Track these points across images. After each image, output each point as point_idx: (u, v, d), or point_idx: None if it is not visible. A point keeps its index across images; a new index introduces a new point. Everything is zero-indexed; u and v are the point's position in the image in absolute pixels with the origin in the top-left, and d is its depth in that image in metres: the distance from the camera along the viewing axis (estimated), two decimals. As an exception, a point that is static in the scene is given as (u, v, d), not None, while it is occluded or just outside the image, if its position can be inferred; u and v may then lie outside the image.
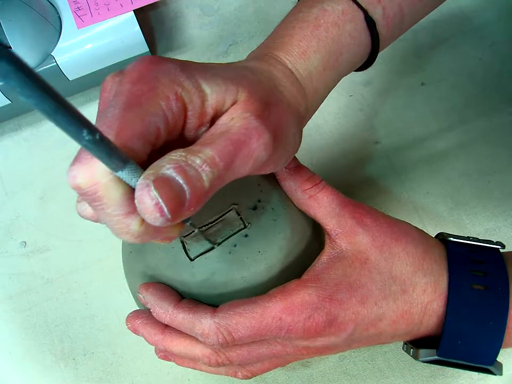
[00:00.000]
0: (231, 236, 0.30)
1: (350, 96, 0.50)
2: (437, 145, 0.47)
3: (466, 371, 0.40)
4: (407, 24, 0.35)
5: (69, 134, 0.17)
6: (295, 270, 0.30)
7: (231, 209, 0.31)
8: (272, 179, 0.33)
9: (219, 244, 0.30)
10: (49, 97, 0.16)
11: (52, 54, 0.45)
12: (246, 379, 0.32)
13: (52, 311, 0.44)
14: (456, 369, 0.40)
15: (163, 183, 0.20)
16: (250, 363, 0.31)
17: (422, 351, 0.30)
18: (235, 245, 0.30)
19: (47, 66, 0.45)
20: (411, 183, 0.46)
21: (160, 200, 0.20)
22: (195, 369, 0.32)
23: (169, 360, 0.32)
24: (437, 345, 0.29)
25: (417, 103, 0.49)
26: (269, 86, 0.27)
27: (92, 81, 0.49)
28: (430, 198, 0.46)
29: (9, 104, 0.47)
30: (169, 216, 0.20)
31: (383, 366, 0.41)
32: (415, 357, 0.30)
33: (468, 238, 0.31)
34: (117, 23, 0.46)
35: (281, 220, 0.31)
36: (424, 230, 0.32)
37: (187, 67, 0.24)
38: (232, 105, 0.24)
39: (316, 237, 0.34)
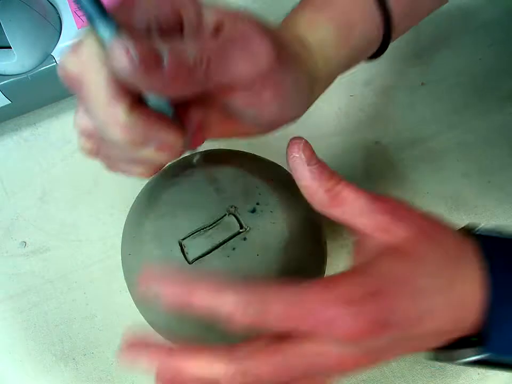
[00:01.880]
0: (229, 239, 0.30)
1: (351, 96, 0.50)
2: (437, 145, 0.47)
3: (467, 371, 0.40)
4: (421, 7, 0.34)
5: None
6: (294, 273, 0.29)
7: (230, 212, 0.31)
8: (271, 182, 0.32)
9: (218, 247, 0.30)
10: None
11: (51, 54, 0.45)
12: None
13: (52, 311, 0.44)
14: (457, 370, 0.40)
15: (139, 39, 0.20)
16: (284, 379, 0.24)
17: (463, 351, 0.26)
18: (234, 248, 0.30)
19: (47, 66, 0.45)
20: (411, 183, 0.46)
21: (131, 48, 0.20)
22: None
23: None
24: (480, 343, 0.25)
25: (417, 103, 0.49)
26: (279, 35, 0.27)
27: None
28: (430, 198, 0.46)
29: (9, 104, 0.47)
30: (137, 62, 0.20)
31: (383, 366, 0.41)
32: (451, 359, 0.27)
33: (498, 233, 0.28)
34: (117, 23, 0.46)
35: (280, 222, 0.31)
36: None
37: None
38: (234, 22, 0.24)
39: (316, 239, 0.34)
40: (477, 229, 0.29)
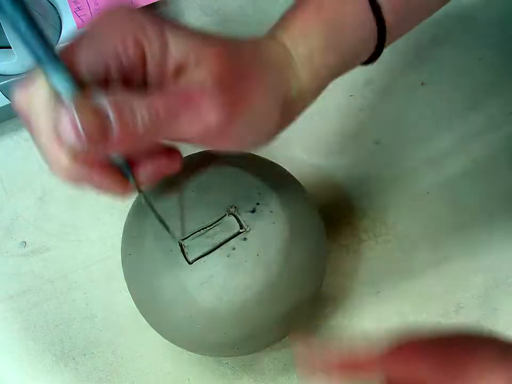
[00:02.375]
0: (229, 239, 0.30)
1: (350, 96, 0.50)
2: (437, 145, 0.47)
3: None
4: (416, 13, 0.34)
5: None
6: (294, 274, 0.30)
7: (230, 212, 0.31)
8: (271, 182, 0.32)
9: (218, 247, 0.30)
10: None
11: (52, 54, 0.45)
12: None
13: (52, 311, 0.44)
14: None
15: (86, 106, 0.20)
16: None
17: None
18: (234, 248, 0.30)
19: (47, 66, 0.45)
20: (411, 183, 0.46)
21: (78, 120, 0.20)
22: None
23: None
24: None
25: (417, 103, 0.49)
26: (251, 59, 0.26)
27: (92, 81, 0.49)
28: (430, 198, 0.46)
29: (9, 104, 0.47)
30: (84, 138, 0.20)
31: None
32: None
33: None
34: (117, 23, 0.46)
35: (280, 222, 0.31)
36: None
37: (159, 20, 0.24)
38: (196, 65, 0.23)
39: (316, 240, 0.34)
40: None
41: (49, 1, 0.46)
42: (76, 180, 0.23)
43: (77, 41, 0.23)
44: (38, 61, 0.20)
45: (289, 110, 0.28)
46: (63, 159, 0.22)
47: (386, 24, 0.31)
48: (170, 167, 0.26)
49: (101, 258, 0.45)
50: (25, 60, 0.44)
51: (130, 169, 0.25)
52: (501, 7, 0.52)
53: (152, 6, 0.53)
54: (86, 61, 0.22)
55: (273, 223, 0.31)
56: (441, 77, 0.50)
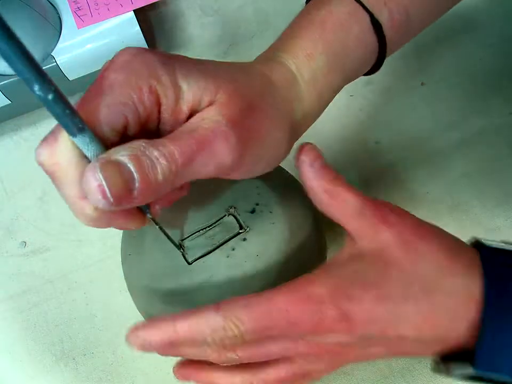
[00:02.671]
0: (229, 239, 0.30)
1: (350, 96, 0.50)
2: (437, 145, 0.47)
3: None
4: (414, 28, 0.34)
5: (24, 82, 0.18)
6: (294, 274, 0.29)
7: (229, 213, 0.31)
8: (270, 182, 0.32)
9: (217, 248, 0.30)
10: (6, 37, 0.16)
11: (52, 54, 0.45)
12: None
13: (52, 311, 0.44)
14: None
15: (111, 167, 0.21)
16: (264, 368, 0.29)
17: (455, 365, 0.27)
18: (233, 249, 0.30)
19: (47, 66, 0.45)
20: (411, 183, 0.46)
21: (104, 183, 0.21)
22: (213, 383, 0.30)
23: (188, 380, 0.30)
24: (472, 358, 0.25)
25: (417, 103, 0.49)
26: (258, 90, 0.27)
27: (92, 81, 0.49)
28: (430, 198, 0.46)
29: (9, 104, 0.47)
30: (112, 200, 0.21)
31: (383, 366, 0.41)
32: (447, 372, 0.27)
33: (504, 242, 0.29)
34: (117, 23, 0.46)
35: (280, 223, 0.31)
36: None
37: (170, 61, 0.24)
38: (209, 105, 0.24)
39: (316, 240, 0.34)
40: (484, 242, 0.29)
41: (49, 1, 0.46)
42: (101, 226, 0.24)
43: (93, 96, 0.23)
44: (61, 123, 0.21)
45: (294, 133, 0.29)
46: (88, 210, 0.23)
47: (387, 40, 0.32)
48: (181, 194, 0.28)
49: (101, 258, 0.45)
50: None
51: (148, 206, 0.26)
52: (501, 7, 0.52)
53: (152, 6, 0.53)
54: (106, 117, 0.22)
55: (273, 223, 0.31)
56: (441, 77, 0.50)
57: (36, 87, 0.18)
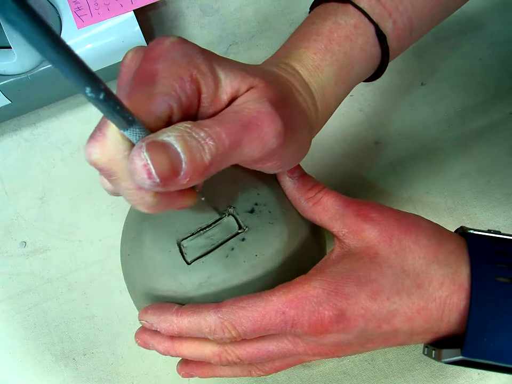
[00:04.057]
0: (228, 239, 0.30)
1: (350, 96, 0.50)
2: (437, 145, 0.47)
3: (467, 371, 0.40)
4: (415, 36, 0.35)
5: (74, 87, 0.18)
6: (293, 274, 0.29)
7: (228, 213, 0.31)
8: (269, 182, 0.32)
9: (216, 248, 0.30)
10: (56, 46, 0.16)
11: (51, 54, 0.45)
12: (259, 377, 0.32)
13: (52, 311, 0.44)
14: (457, 370, 0.40)
15: (157, 147, 0.21)
16: (262, 362, 0.30)
17: (445, 351, 0.28)
18: (232, 249, 0.30)
19: (47, 66, 0.45)
20: (411, 183, 0.46)
21: (149, 162, 0.20)
22: (214, 376, 0.32)
23: (192, 376, 0.33)
24: (461, 344, 0.27)
25: (417, 103, 0.49)
26: (285, 88, 0.27)
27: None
28: (430, 198, 0.46)
29: (9, 104, 0.47)
30: (157, 180, 0.21)
31: (383, 366, 0.41)
32: (438, 358, 0.28)
33: (488, 231, 0.30)
34: (117, 23, 0.46)
35: (279, 223, 0.31)
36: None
37: (206, 52, 0.24)
38: (248, 89, 0.24)
39: (315, 240, 0.34)
40: (468, 231, 0.30)
41: (49, 1, 0.46)
42: (161, 210, 0.24)
43: (136, 87, 0.23)
44: (117, 121, 0.20)
45: (311, 134, 0.30)
46: (148, 197, 0.23)
47: (390, 50, 0.32)
48: None
49: (101, 258, 0.45)
50: (25, 60, 0.44)
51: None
52: (501, 7, 0.52)
53: (152, 6, 0.53)
54: (152, 107, 0.22)
55: (272, 223, 0.31)
56: (441, 77, 0.50)
57: (87, 90, 0.18)
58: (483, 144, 0.47)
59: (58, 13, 0.46)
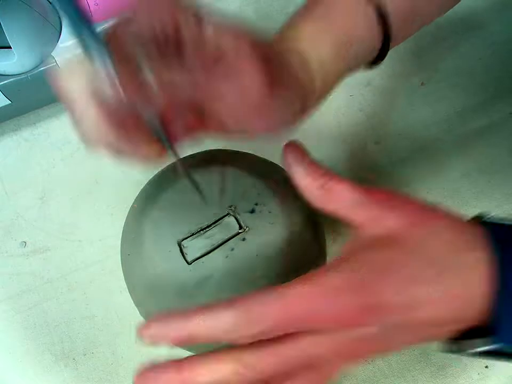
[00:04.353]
0: (228, 239, 0.30)
1: (350, 96, 0.50)
2: (437, 145, 0.47)
3: (467, 371, 0.40)
4: (420, 19, 0.34)
5: None
6: (293, 274, 0.29)
7: (229, 213, 0.31)
8: (269, 182, 0.32)
9: (216, 248, 0.30)
10: None
11: (52, 54, 0.45)
12: None
13: (52, 311, 0.44)
14: (457, 370, 0.40)
15: (129, 63, 0.22)
16: (285, 375, 0.26)
17: (478, 341, 0.26)
18: (232, 249, 0.30)
19: (47, 66, 0.45)
20: (411, 183, 0.46)
21: (115, 72, 0.21)
22: None
23: None
24: (491, 333, 0.25)
25: (417, 103, 0.49)
26: (275, 51, 0.27)
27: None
28: (430, 198, 0.46)
29: (9, 104, 0.47)
30: (121, 88, 0.21)
31: (383, 366, 0.41)
32: (461, 350, 0.27)
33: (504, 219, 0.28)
34: (117, 23, 0.46)
35: (279, 223, 0.31)
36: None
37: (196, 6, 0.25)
38: (235, 40, 0.24)
39: (315, 240, 0.34)
40: (488, 217, 0.28)
41: (49, 1, 0.46)
42: (113, 147, 0.23)
43: (117, 25, 0.23)
44: (75, 32, 0.22)
45: (301, 108, 0.29)
46: (101, 124, 0.23)
47: (392, 30, 0.32)
48: (199, 126, 0.27)
49: (101, 258, 0.45)
50: (25, 60, 0.44)
51: (164, 131, 0.25)
52: (501, 7, 0.52)
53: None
54: (125, 35, 0.23)
55: (272, 223, 0.31)
56: (441, 77, 0.50)
57: None
58: (483, 144, 0.47)
59: (58, 13, 0.46)
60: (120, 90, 0.21)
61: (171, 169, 0.35)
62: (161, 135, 0.25)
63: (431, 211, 0.28)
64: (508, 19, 0.52)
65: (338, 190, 0.28)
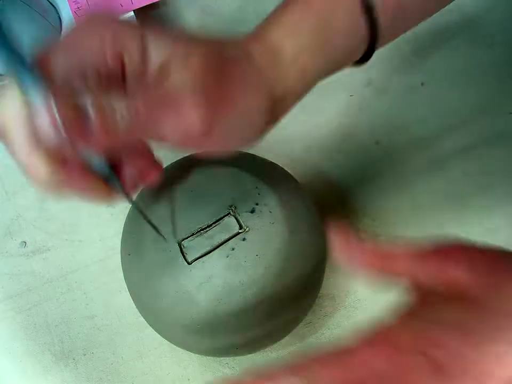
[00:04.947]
0: (228, 239, 0.30)
1: (350, 96, 0.50)
2: (437, 145, 0.47)
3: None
4: (411, 16, 0.33)
5: None
6: (293, 274, 0.29)
7: (229, 213, 0.31)
8: (270, 182, 0.32)
9: (217, 247, 0.30)
10: None
11: (51, 54, 0.45)
12: None
13: (52, 311, 0.44)
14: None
15: (68, 100, 0.20)
16: None
17: None
18: (233, 249, 0.30)
19: (47, 66, 0.45)
20: (411, 183, 0.46)
21: (55, 110, 0.20)
22: None
23: None
24: None
25: (417, 103, 0.49)
26: (235, 59, 0.26)
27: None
28: (430, 198, 0.46)
29: (9, 104, 0.47)
30: (62, 130, 0.20)
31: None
32: None
33: None
34: (117, 23, 0.46)
35: (279, 222, 0.31)
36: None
37: (140, 27, 0.23)
38: (179, 66, 0.23)
39: (315, 240, 0.34)
40: None
41: (49, 1, 0.46)
42: (57, 189, 0.23)
43: (55, 48, 0.23)
44: (11, 68, 0.20)
45: (274, 110, 0.28)
46: (43, 167, 0.22)
47: (380, 25, 0.30)
48: (151, 171, 0.27)
49: (101, 258, 0.45)
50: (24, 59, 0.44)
51: (114, 174, 0.25)
52: (501, 7, 0.52)
53: (152, 6, 0.53)
54: (63, 69, 0.22)
55: (272, 223, 0.31)
56: (441, 77, 0.50)
57: None
58: (483, 144, 0.47)
59: (58, 13, 0.46)
60: (61, 129, 0.20)
61: (171, 170, 0.35)
62: (111, 177, 0.24)
63: (499, 259, 0.24)
64: (508, 19, 0.52)
65: (395, 255, 0.25)
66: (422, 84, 0.50)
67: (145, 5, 0.46)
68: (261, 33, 0.28)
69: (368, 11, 0.29)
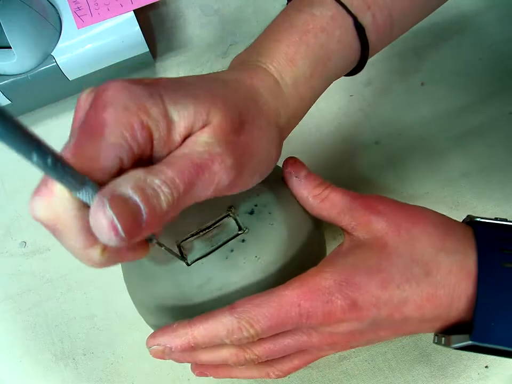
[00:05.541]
0: (228, 241, 0.30)
1: (350, 96, 0.50)
2: (437, 145, 0.47)
3: (467, 371, 0.40)
4: (397, 31, 0.34)
5: (20, 154, 0.17)
6: (293, 275, 0.29)
7: (228, 214, 0.31)
8: (269, 183, 0.32)
9: (216, 249, 0.30)
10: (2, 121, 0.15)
11: (51, 54, 0.45)
12: (279, 378, 0.32)
13: (52, 311, 0.44)
14: (457, 370, 0.40)
15: (119, 202, 0.20)
16: (279, 359, 0.31)
17: (454, 337, 0.28)
18: (232, 250, 0.30)
19: (47, 66, 0.45)
20: (411, 183, 0.46)
21: (115, 219, 0.20)
22: (230, 377, 0.32)
23: (206, 375, 0.32)
24: (470, 330, 0.27)
25: (417, 103, 0.49)
26: (245, 102, 0.27)
27: (91, 81, 0.49)
28: (430, 198, 0.46)
29: (9, 104, 0.47)
30: (123, 236, 0.20)
31: (383, 366, 0.41)
32: (448, 343, 0.28)
33: (495, 219, 0.30)
34: (117, 23, 0.46)
35: (279, 224, 0.31)
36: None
37: (156, 90, 0.23)
38: (202, 127, 0.24)
39: (315, 240, 0.34)
40: (475, 219, 0.30)
41: (49, 1, 0.46)
42: (110, 265, 0.24)
43: (85, 139, 0.22)
44: (69, 185, 0.20)
45: (282, 137, 0.30)
46: (96, 255, 0.23)
47: (370, 43, 0.32)
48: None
49: (101, 258, 0.45)
50: (25, 60, 0.44)
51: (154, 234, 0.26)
52: (501, 7, 0.52)
53: (152, 6, 0.53)
54: (102, 163, 0.21)
55: (272, 224, 0.31)
56: (441, 77, 0.50)
57: (34, 156, 0.17)
58: (483, 144, 0.47)
59: (58, 13, 0.46)
60: (120, 229, 0.20)
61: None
62: (152, 237, 0.26)
63: (417, 215, 0.30)
64: (508, 19, 0.52)
65: (330, 198, 0.31)
66: (422, 84, 0.50)
67: (145, 5, 0.46)
68: (258, 64, 0.29)
69: (360, 32, 0.31)
